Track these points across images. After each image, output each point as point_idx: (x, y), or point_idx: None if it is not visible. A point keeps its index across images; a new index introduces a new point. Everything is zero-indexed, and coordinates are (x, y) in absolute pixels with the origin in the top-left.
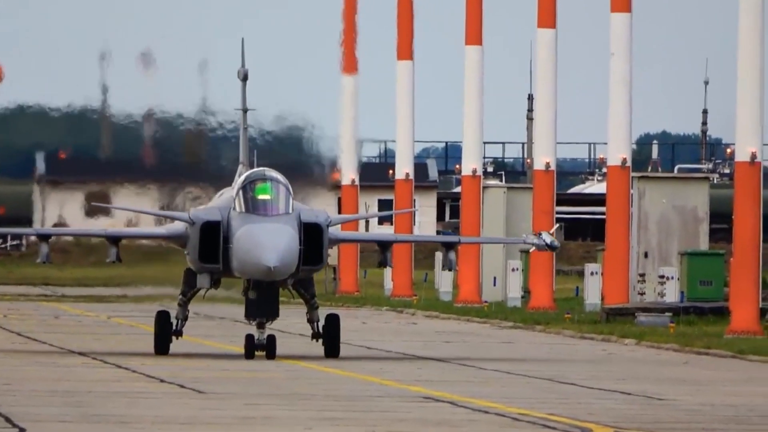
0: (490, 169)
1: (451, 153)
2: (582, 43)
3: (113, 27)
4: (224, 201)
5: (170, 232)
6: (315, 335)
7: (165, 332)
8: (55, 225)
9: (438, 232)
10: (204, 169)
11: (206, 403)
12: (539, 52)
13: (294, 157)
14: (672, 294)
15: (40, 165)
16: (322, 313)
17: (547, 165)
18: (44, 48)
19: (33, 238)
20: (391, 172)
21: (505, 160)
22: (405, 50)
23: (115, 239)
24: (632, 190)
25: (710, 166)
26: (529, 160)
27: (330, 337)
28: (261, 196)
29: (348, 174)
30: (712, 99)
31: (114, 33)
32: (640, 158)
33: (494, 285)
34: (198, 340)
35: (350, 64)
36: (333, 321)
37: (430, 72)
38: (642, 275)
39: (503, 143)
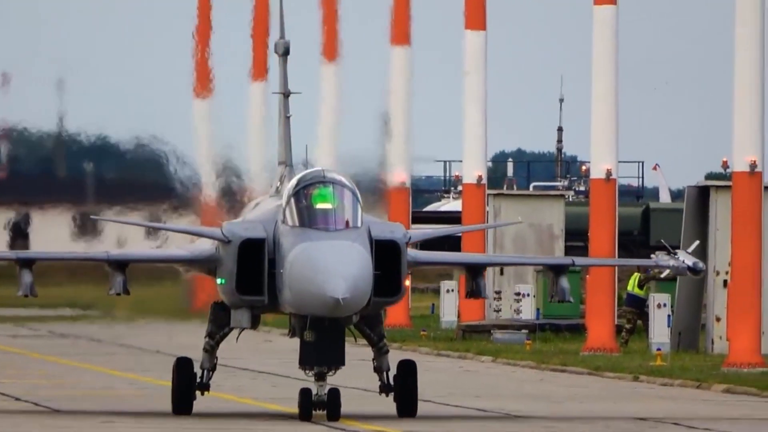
0: None
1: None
2: (435, 60)
3: None
4: (267, 213)
5: (194, 255)
6: (384, 388)
7: (187, 386)
8: None
9: None
10: (62, 186)
11: (61, 422)
12: (394, 69)
13: (154, 180)
14: (528, 311)
15: None
16: (394, 358)
17: (403, 183)
18: None
19: None
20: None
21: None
22: (260, 70)
23: (120, 265)
24: (488, 207)
25: (565, 183)
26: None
27: (404, 391)
28: (320, 205)
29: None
30: (567, 116)
31: None
32: (496, 176)
33: None
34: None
35: (204, 86)
36: (408, 370)
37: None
38: (498, 292)
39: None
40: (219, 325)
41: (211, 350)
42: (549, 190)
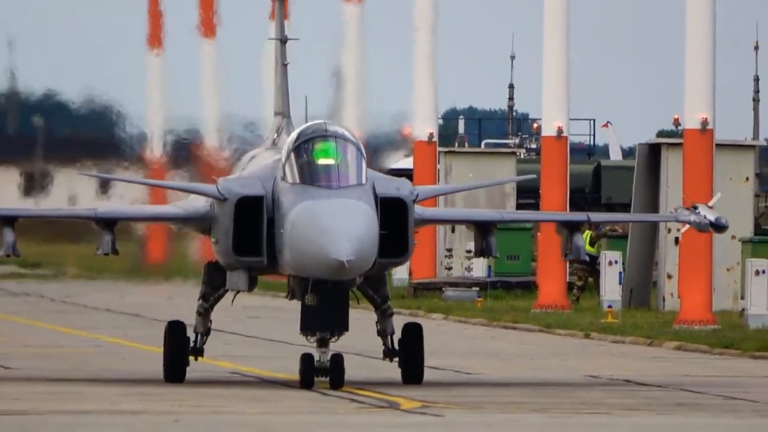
0: None
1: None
2: (386, 17)
3: None
4: (265, 168)
5: (189, 213)
6: (388, 353)
7: (179, 351)
8: None
9: None
10: (11, 143)
11: (14, 383)
12: (346, 26)
13: (103, 137)
14: (479, 269)
15: None
16: (398, 322)
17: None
18: None
19: None
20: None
21: None
22: (208, 27)
23: (108, 223)
24: (439, 165)
25: (517, 141)
26: None
27: (409, 356)
28: (322, 160)
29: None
30: (518, 74)
31: None
32: (447, 133)
33: None
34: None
35: (155, 41)
36: (413, 334)
37: (234, 48)
38: (449, 250)
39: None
40: (213, 287)
41: (204, 313)
42: (500, 147)
